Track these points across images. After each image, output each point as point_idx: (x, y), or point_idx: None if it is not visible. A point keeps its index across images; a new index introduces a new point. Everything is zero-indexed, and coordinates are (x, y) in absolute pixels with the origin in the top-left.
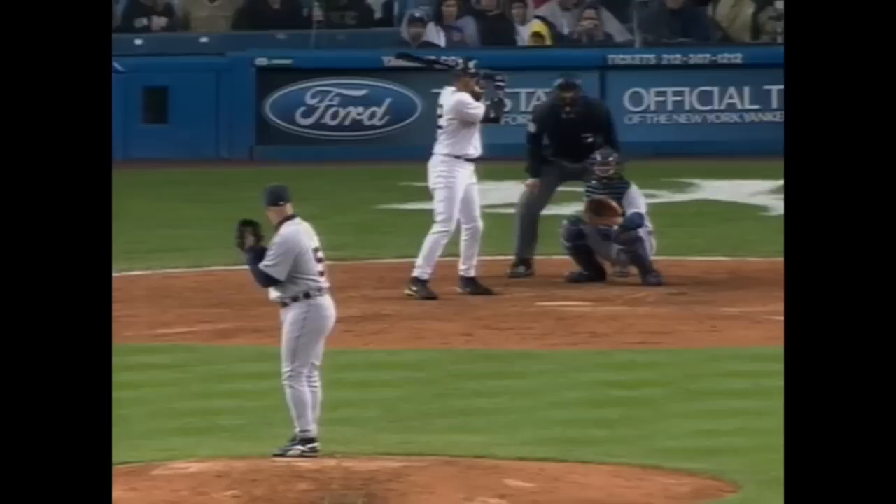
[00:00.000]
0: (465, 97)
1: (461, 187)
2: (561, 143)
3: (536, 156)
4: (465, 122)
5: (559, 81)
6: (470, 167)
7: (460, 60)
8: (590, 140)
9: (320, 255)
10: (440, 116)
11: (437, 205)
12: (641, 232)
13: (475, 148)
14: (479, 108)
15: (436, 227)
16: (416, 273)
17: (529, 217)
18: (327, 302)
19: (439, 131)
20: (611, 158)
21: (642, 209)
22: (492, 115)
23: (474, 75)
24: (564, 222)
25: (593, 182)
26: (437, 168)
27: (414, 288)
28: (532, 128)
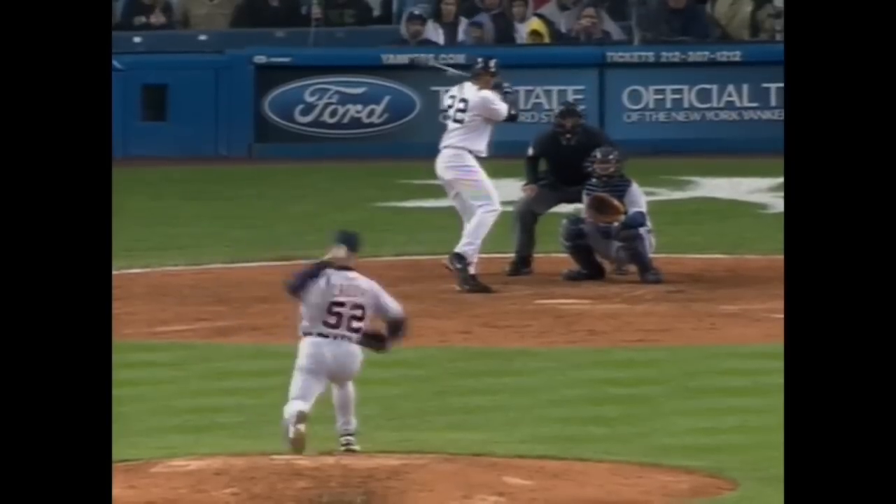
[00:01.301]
0: (492, 94)
1: (481, 171)
2: (560, 171)
3: (533, 171)
4: (487, 119)
5: (560, 108)
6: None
7: (480, 59)
8: (589, 169)
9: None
10: (461, 111)
11: (470, 195)
12: (641, 230)
13: (486, 147)
14: (504, 107)
15: (482, 209)
16: (459, 249)
17: (529, 214)
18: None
19: (456, 126)
20: (611, 157)
21: (643, 208)
22: (512, 111)
23: (494, 74)
24: (564, 221)
25: (594, 180)
26: (450, 161)
27: (458, 265)
28: (530, 152)
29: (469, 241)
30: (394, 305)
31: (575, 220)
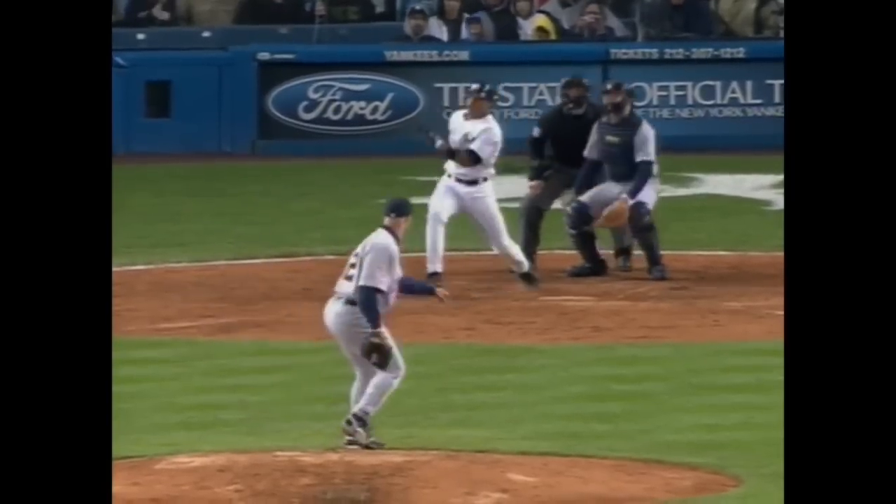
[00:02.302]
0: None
1: (440, 186)
2: (564, 148)
3: (538, 152)
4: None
5: (565, 79)
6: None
7: (485, 86)
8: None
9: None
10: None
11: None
12: (648, 189)
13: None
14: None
15: None
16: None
17: (534, 211)
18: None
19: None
20: (620, 88)
21: (651, 156)
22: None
23: (486, 99)
24: (568, 209)
25: (604, 120)
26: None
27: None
28: (536, 132)
29: (429, 262)
30: (365, 274)
31: (579, 206)
